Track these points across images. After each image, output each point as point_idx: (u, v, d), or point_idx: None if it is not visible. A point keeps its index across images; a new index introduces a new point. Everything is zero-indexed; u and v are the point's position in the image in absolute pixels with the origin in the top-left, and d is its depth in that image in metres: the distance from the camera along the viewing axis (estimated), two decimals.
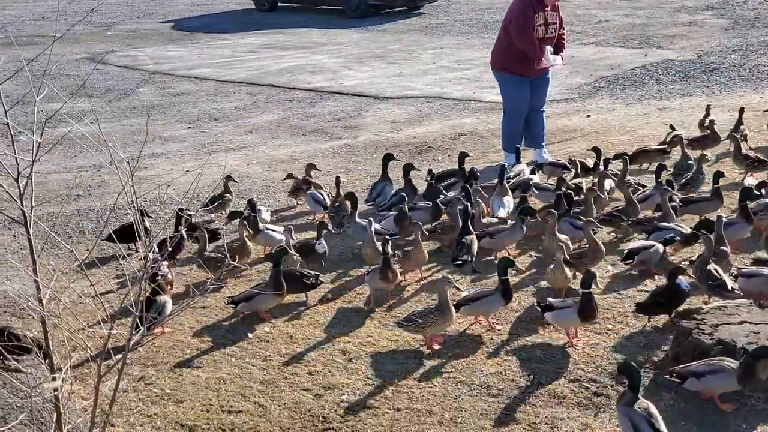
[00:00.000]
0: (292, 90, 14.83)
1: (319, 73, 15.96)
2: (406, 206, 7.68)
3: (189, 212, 7.42)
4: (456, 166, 8.88)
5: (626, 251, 6.89)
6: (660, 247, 6.78)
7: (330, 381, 5.60)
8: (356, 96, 14.11)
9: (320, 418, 5.22)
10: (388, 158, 8.73)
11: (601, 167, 8.41)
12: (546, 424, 5.08)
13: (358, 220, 7.63)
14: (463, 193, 7.78)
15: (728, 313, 5.64)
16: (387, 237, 6.82)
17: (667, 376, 5.17)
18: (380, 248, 6.75)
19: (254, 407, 5.36)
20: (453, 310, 5.86)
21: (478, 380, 5.53)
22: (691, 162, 8.69)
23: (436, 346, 5.89)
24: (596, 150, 8.90)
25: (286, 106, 13.69)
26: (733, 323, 5.49)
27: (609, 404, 5.16)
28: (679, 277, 5.99)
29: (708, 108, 10.27)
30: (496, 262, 6.68)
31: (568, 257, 6.65)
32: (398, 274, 6.65)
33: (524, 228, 7.20)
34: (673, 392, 5.22)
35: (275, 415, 5.27)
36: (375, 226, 7.28)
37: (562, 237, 6.99)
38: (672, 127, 10.03)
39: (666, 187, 7.58)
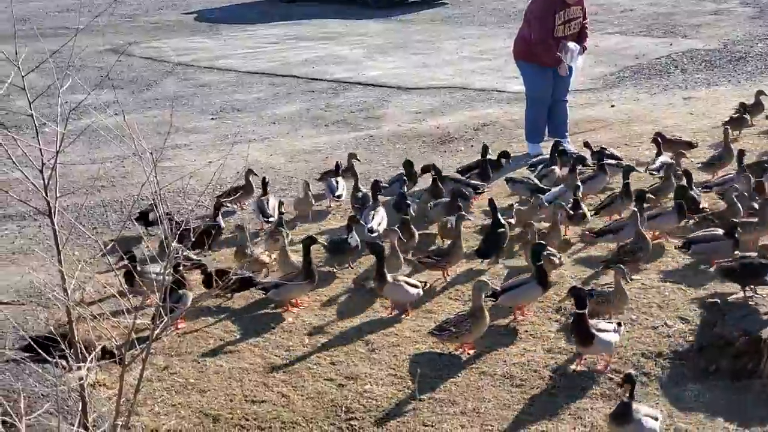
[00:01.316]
0: (314, 81, 14.81)
1: (341, 64, 15.93)
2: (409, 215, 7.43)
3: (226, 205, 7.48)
4: (487, 158, 8.87)
5: (683, 241, 6.69)
6: (724, 243, 6.48)
7: (353, 371, 5.61)
8: (379, 87, 14.05)
9: (343, 408, 5.23)
10: (408, 165, 8.69)
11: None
12: (569, 414, 5.06)
13: (372, 213, 7.45)
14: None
15: (754, 305, 5.59)
16: (378, 241, 6.72)
17: None
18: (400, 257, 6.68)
19: (277, 397, 5.38)
20: (487, 315, 5.66)
21: (501, 371, 5.52)
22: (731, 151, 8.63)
23: (471, 352, 5.76)
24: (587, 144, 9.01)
25: (309, 97, 13.69)
26: (759, 315, 5.44)
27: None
28: None
29: (758, 93, 10.11)
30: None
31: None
32: (384, 280, 6.24)
33: (644, 217, 6.89)
34: (698, 383, 5.19)
35: (298, 405, 5.29)
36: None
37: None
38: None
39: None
